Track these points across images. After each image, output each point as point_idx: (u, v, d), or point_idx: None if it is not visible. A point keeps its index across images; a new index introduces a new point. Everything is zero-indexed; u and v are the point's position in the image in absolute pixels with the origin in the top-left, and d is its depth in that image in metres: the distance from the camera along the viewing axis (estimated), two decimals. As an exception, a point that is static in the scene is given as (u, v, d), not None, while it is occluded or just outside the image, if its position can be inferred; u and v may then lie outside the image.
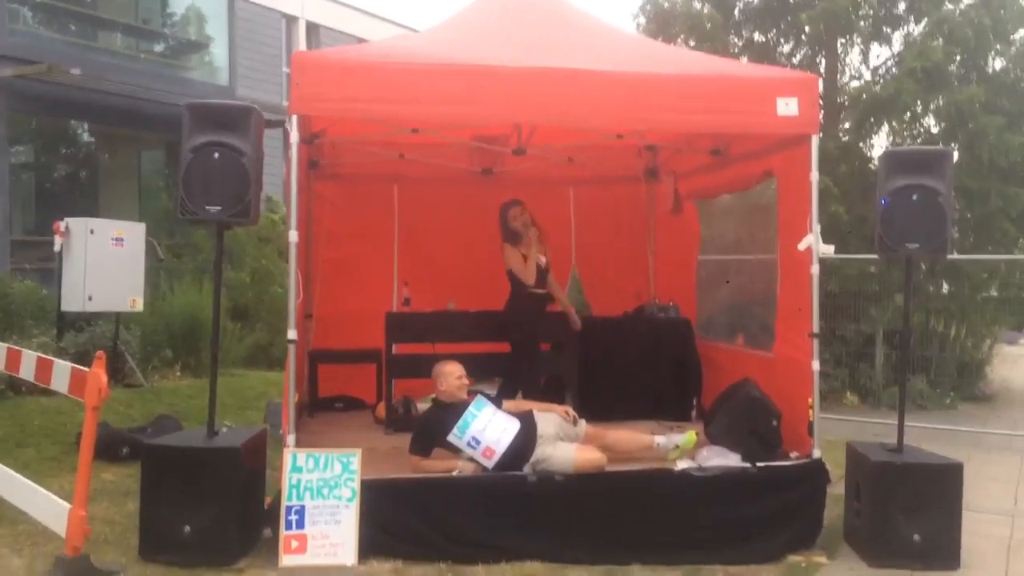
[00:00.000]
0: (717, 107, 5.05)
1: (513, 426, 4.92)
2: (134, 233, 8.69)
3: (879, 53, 11.67)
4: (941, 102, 10.36)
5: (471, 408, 4.94)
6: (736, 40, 11.81)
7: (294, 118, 4.81)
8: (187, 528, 4.35)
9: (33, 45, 12.05)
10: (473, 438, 4.84)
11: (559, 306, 6.76)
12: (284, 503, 4.49)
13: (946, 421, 8.89)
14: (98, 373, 4.12)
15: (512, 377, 6.39)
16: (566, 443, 5.01)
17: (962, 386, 10.38)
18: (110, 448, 6.15)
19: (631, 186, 8.07)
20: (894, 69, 10.98)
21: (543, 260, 6.43)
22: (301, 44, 21.40)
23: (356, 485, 4.55)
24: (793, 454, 5.12)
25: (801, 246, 5.05)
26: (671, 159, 7.62)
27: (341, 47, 13.32)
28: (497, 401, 5.18)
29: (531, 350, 6.50)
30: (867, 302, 10.22)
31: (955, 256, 8.94)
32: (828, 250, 5.14)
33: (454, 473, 4.84)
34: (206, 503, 4.36)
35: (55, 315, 8.80)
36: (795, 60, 11.61)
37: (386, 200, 7.78)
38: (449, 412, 4.96)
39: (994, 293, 10.97)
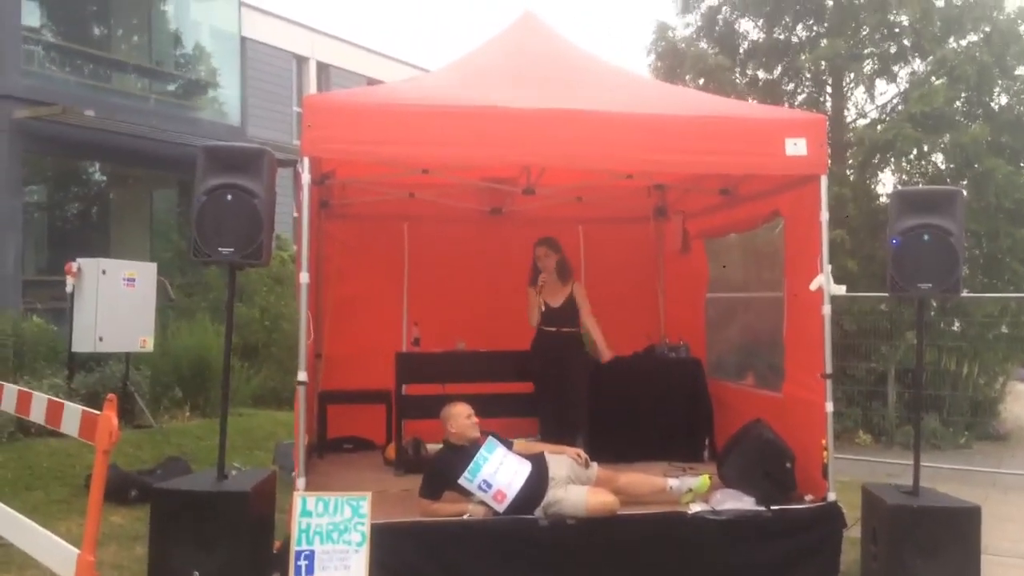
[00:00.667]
0: (726, 148, 5.07)
1: (524, 469, 4.89)
2: (145, 273, 8.73)
3: (885, 90, 11.69)
4: (947, 141, 10.39)
5: (482, 451, 4.91)
6: (741, 79, 11.90)
7: (306, 160, 4.84)
8: (196, 573, 4.30)
9: (47, 87, 12.22)
10: (484, 481, 4.80)
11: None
12: (294, 548, 4.43)
13: (961, 461, 8.79)
14: (109, 416, 4.09)
15: (543, 416, 6.49)
16: (578, 486, 4.96)
17: (976, 425, 10.27)
18: (119, 491, 6.12)
19: (640, 225, 8.09)
20: (900, 107, 11.03)
21: (540, 302, 6.50)
22: (312, 84, 21.68)
23: (366, 529, 4.50)
24: (808, 497, 5.05)
25: (812, 286, 5.04)
26: (680, 199, 7.65)
27: (352, 89, 13.52)
28: (507, 443, 5.14)
29: (543, 387, 6.50)
30: (878, 340, 10.18)
31: (967, 294, 8.90)
32: (839, 290, 5.14)
33: (465, 517, 4.79)
34: (216, 547, 4.33)
35: (66, 355, 8.82)
36: (800, 98, 11.70)
37: (396, 239, 7.81)
38: (460, 454, 4.93)
39: (1004, 330, 10.90)
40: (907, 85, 11.15)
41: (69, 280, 8.31)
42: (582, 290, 6.64)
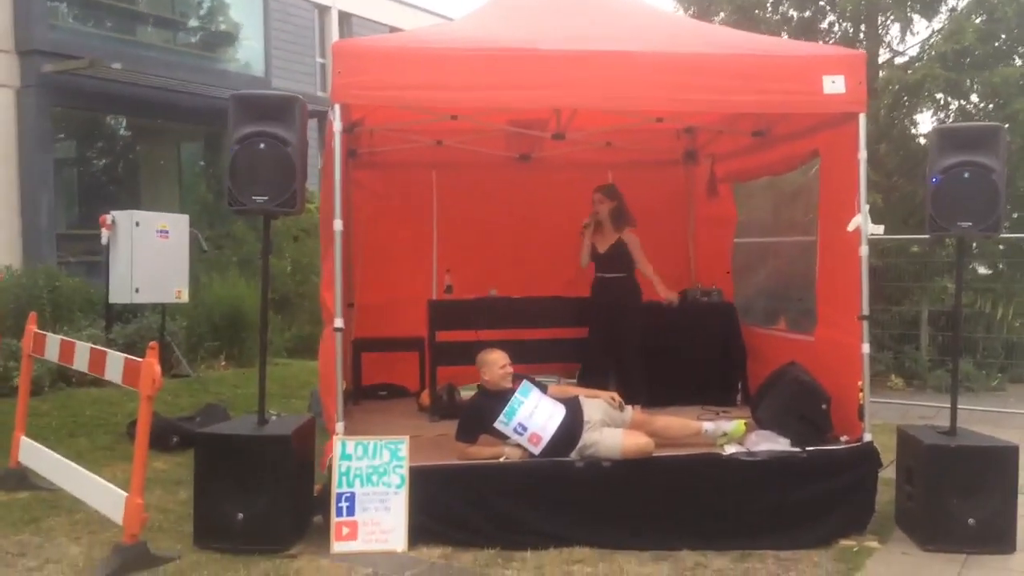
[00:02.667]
0: (762, 87, 4.96)
1: (559, 412, 4.92)
2: (178, 225, 8.81)
3: (918, 31, 11.38)
4: (978, 81, 10.12)
5: (517, 394, 4.94)
6: (774, 16, 11.61)
7: (336, 107, 4.82)
8: (240, 515, 4.40)
9: (72, 41, 12.22)
10: (520, 424, 4.84)
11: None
12: (335, 490, 4.52)
13: (994, 403, 8.74)
14: (152, 363, 4.18)
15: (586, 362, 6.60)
16: (613, 429, 4.99)
17: (1009, 367, 10.18)
18: (161, 437, 6.25)
19: (670, 169, 8.01)
20: (934, 47, 10.74)
21: (589, 245, 6.59)
22: (333, 33, 21.50)
23: (405, 472, 4.58)
24: (843, 438, 5.05)
25: (850, 227, 4.96)
26: (711, 141, 7.54)
27: (380, 35, 13.36)
28: (542, 386, 5.18)
29: (593, 328, 6.64)
30: (911, 282, 10.06)
31: (1006, 235, 8.75)
32: (878, 230, 5.04)
33: (501, 459, 4.85)
34: (258, 490, 4.41)
35: (102, 307, 8.95)
36: (834, 38, 11.41)
37: (424, 187, 7.79)
38: (495, 399, 4.97)
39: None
40: (944, 23, 10.83)
41: (104, 232, 8.41)
42: (635, 239, 6.61)
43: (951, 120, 10.38)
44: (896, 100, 10.43)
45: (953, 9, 10.85)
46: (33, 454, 5.37)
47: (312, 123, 5.83)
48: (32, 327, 5.57)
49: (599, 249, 6.56)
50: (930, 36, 11.02)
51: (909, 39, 11.32)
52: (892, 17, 10.99)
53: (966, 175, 4.73)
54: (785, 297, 8.80)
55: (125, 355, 4.58)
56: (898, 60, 11.28)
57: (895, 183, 10.11)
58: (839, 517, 4.78)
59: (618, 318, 6.49)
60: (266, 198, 4.59)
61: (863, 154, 4.95)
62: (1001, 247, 9.99)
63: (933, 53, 10.22)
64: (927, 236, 5.10)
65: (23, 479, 5.43)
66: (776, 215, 9.58)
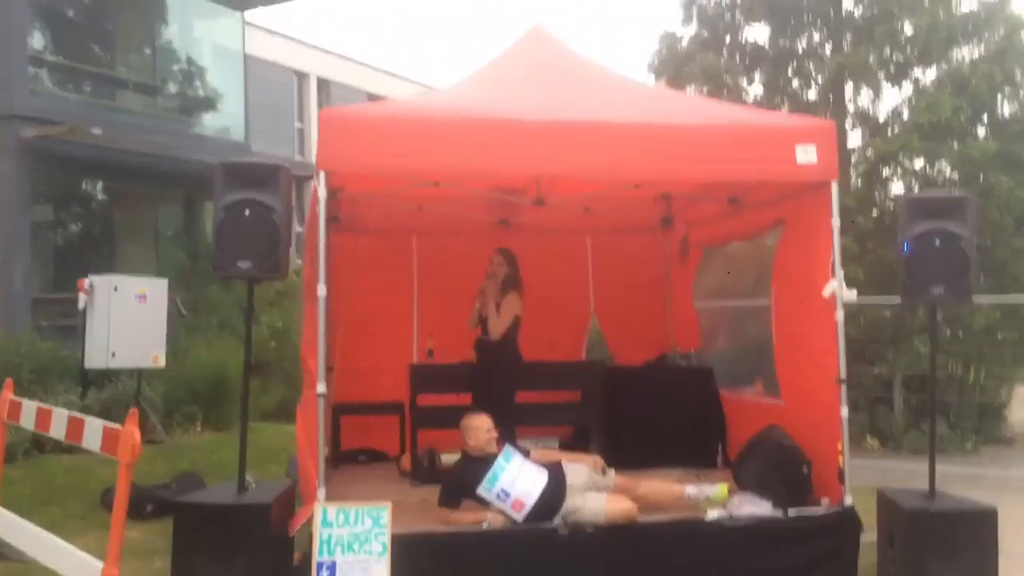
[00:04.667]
0: (736, 156, 5.11)
1: (543, 477, 4.91)
2: (156, 289, 8.74)
3: (890, 98, 11.85)
4: (954, 152, 10.48)
5: (500, 460, 4.94)
6: (746, 85, 12.00)
7: (322, 174, 4.89)
8: (219, 586, 4.33)
9: (52, 106, 12.28)
10: (503, 490, 4.83)
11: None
12: (315, 558, 4.45)
13: (969, 465, 8.81)
14: (132, 431, 4.13)
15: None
16: (596, 493, 4.99)
17: (983, 429, 10.30)
18: (136, 505, 6.09)
19: (647, 235, 8.15)
20: (905, 117, 11.11)
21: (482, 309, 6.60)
22: (312, 99, 21.80)
23: (387, 539, 4.51)
24: (824, 501, 5.08)
25: (826, 292, 5.06)
26: (686, 208, 7.69)
27: (364, 104, 13.58)
28: (524, 451, 5.17)
29: (477, 391, 6.50)
30: (883, 346, 10.21)
31: (979, 299, 8.95)
32: (851, 295, 5.15)
33: (484, 526, 4.81)
34: (238, 560, 4.36)
35: (77, 372, 8.84)
36: (800, 108, 11.79)
37: (405, 252, 7.85)
38: (478, 464, 4.96)
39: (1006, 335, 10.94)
40: (911, 95, 11.23)
41: (81, 297, 8.33)
42: (512, 303, 6.53)
43: (926, 189, 10.70)
44: (872, 168, 10.75)
45: (917, 80, 11.28)
46: (5, 524, 5.22)
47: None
48: (8, 393, 5.48)
49: (483, 312, 6.56)
50: (898, 106, 11.43)
51: (877, 108, 11.74)
52: (859, 89, 11.39)
53: (937, 242, 4.87)
54: (763, 360, 8.88)
55: (104, 422, 4.52)
56: (864, 129, 11.65)
57: (870, 248, 10.35)
58: (822, 581, 4.78)
59: (494, 382, 6.38)
60: (251, 264, 4.63)
61: (836, 221, 5.09)
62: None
63: (908, 124, 10.58)
64: (895, 301, 5.22)
65: (-6, 550, 5.30)
66: (757, 279, 9.72)
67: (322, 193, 4.88)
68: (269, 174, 4.73)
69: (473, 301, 6.65)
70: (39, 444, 7.67)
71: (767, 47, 12.02)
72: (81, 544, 4.79)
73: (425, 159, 4.95)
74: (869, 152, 10.83)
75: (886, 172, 11.03)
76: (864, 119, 11.76)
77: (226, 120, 15.14)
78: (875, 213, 11.09)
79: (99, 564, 4.14)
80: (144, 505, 6.31)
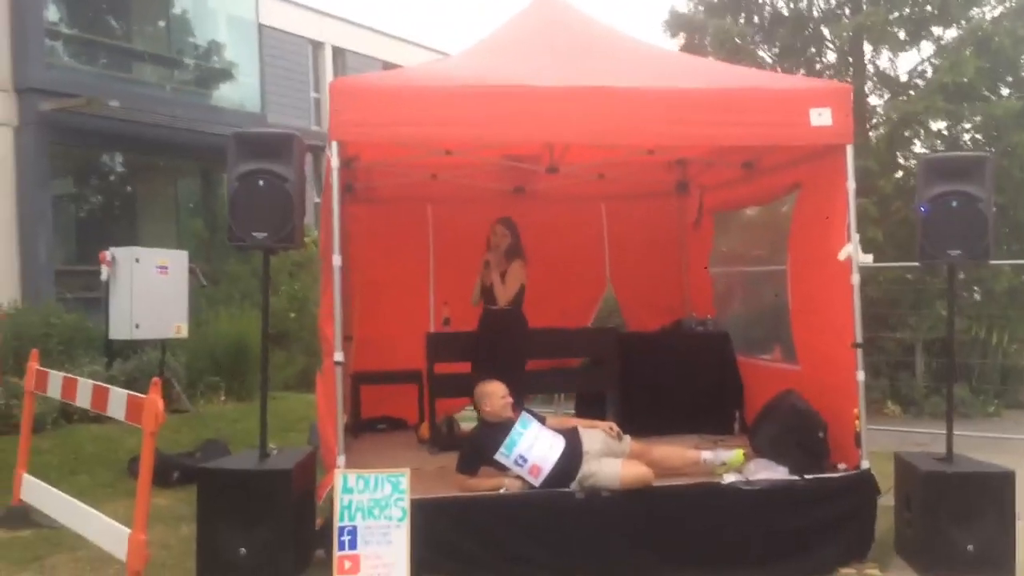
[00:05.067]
0: (749, 120, 5.07)
1: (559, 443, 4.96)
2: (177, 261, 8.86)
3: (908, 58, 11.62)
4: (978, 113, 10.31)
5: (517, 426, 4.99)
6: (762, 53, 11.82)
7: (334, 144, 4.90)
8: (243, 550, 4.42)
9: (70, 79, 12.36)
10: (520, 456, 4.88)
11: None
12: (337, 524, 4.54)
13: (991, 429, 8.79)
14: (155, 399, 4.22)
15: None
16: (612, 459, 5.02)
17: (1005, 393, 10.24)
18: (162, 473, 6.21)
19: (662, 200, 8.11)
20: (928, 73, 10.92)
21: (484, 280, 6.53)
22: (328, 69, 21.72)
23: (406, 505, 4.59)
24: (841, 465, 5.09)
25: (841, 256, 5.04)
26: (701, 173, 7.65)
27: (377, 72, 13.54)
28: (540, 418, 5.22)
29: (474, 365, 6.49)
30: (905, 311, 10.15)
31: (996, 262, 8.87)
32: (867, 259, 5.16)
33: (501, 491, 4.88)
34: (261, 525, 4.44)
35: (101, 343, 8.98)
36: (820, 69, 11.61)
37: (420, 221, 7.86)
38: (495, 430, 5.01)
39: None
40: (932, 55, 11.03)
41: (104, 269, 8.45)
42: (517, 270, 6.48)
43: (948, 150, 10.55)
44: (895, 131, 10.59)
45: (939, 38, 11.06)
46: (35, 491, 5.37)
47: (307, 158, 5.89)
48: (34, 364, 5.60)
49: (486, 282, 6.51)
50: (918, 66, 11.23)
51: (899, 69, 11.54)
52: (878, 49, 11.18)
53: (954, 204, 4.82)
54: (779, 326, 8.87)
55: (128, 391, 4.62)
56: (887, 91, 11.47)
57: (893, 211, 10.24)
58: (839, 545, 4.82)
59: (501, 350, 6.32)
60: (266, 234, 4.66)
61: (851, 184, 5.04)
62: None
63: (931, 84, 10.40)
64: (915, 264, 5.18)
65: (25, 517, 5.43)
66: (772, 243, 9.68)
67: (335, 163, 4.90)
68: (282, 144, 4.74)
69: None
70: (67, 414, 7.82)
71: (784, 11, 11.81)
72: (109, 511, 4.92)
73: (437, 127, 4.95)
74: (893, 114, 10.65)
75: (907, 134, 10.86)
76: (885, 80, 11.57)
77: (242, 91, 15.18)
78: (899, 174, 10.94)
79: (126, 530, 4.26)
80: (170, 473, 6.43)
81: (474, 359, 6.49)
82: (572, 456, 4.93)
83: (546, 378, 7.14)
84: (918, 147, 11.05)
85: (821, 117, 5.04)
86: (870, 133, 10.93)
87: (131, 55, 14.05)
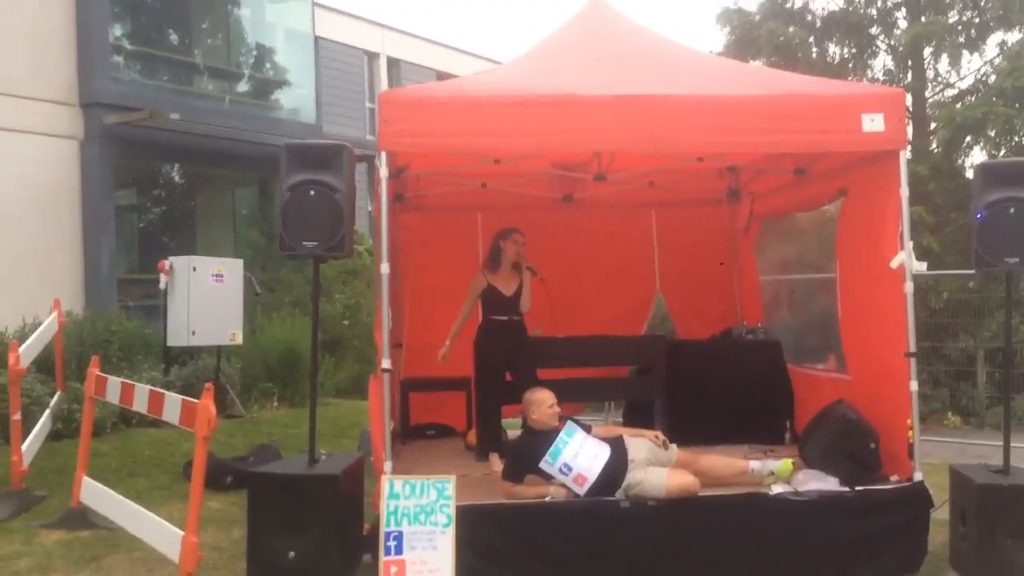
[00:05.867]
0: (800, 127, 5.01)
1: (604, 452, 4.95)
2: (233, 269, 9.05)
3: (970, 60, 11.33)
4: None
5: (562, 435, 4.99)
6: (815, 57, 11.66)
7: (383, 154, 4.97)
8: (291, 553, 4.49)
9: (132, 93, 12.71)
10: (565, 464, 4.88)
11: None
12: (383, 529, 4.59)
13: (1054, 441, 8.49)
14: (207, 405, 4.32)
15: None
16: (658, 468, 4.99)
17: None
18: (215, 477, 6.37)
19: (714, 208, 8.03)
20: (991, 78, 10.66)
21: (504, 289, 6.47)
22: (382, 79, 22.00)
23: (452, 511, 4.62)
24: (893, 477, 4.99)
25: (894, 264, 4.94)
26: (752, 180, 7.57)
27: (426, 84, 13.66)
28: (586, 427, 5.21)
29: (488, 376, 6.45)
30: (966, 319, 9.90)
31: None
32: (921, 267, 5.02)
33: (547, 499, 4.88)
34: (309, 529, 4.51)
35: (160, 350, 9.22)
36: (875, 75, 11.41)
37: (470, 229, 7.90)
38: (541, 438, 5.01)
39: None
40: (995, 57, 10.77)
41: (162, 277, 8.68)
42: (528, 279, 6.49)
43: (1007, 155, 10.28)
44: (954, 137, 10.36)
45: (1003, 43, 10.80)
46: (94, 494, 5.54)
47: (362, 167, 5.96)
48: (94, 370, 5.78)
49: (504, 292, 6.42)
50: (981, 68, 10.97)
51: (961, 72, 11.29)
52: (938, 52, 10.96)
53: (1011, 211, 4.71)
54: (829, 335, 8.73)
55: (182, 397, 4.74)
56: (948, 94, 11.22)
57: (951, 218, 10.01)
58: (890, 557, 4.73)
59: (517, 359, 6.31)
60: (316, 243, 4.75)
61: (905, 191, 4.95)
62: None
63: (992, 89, 10.16)
64: (974, 272, 5.06)
65: (84, 518, 5.61)
66: (819, 251, 9.54)
67: (384, 173, 4.97)
68: (332, 154, 4.83)
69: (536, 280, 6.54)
70: (126, 419, 8.04)
71: (840, 14, 11.64)
72: (164, 514, 5.05)
73: (485, 138, 4.99)
74: (952, 120, 10.41)
75: (967, 140, 10.61)
76: (946, 86, 11.34)
77: (298, 102, 15.45)
78: (959, 181, 10.69)
79: (180, 532, 4.37)
80: (224, 477, 6.56)
81: (488, 371, 6.39)
82: (617, 465, 4.91)
83: (594, 386, 7.12)
84: (977, 153, 10.80)
85: (874, 123, 4.97)
86: (930, 138, 10.71)
87: (191, 68, 14.42)
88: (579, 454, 4.90)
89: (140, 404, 5.14)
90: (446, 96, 5.22)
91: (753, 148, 5.85)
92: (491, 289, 6.42)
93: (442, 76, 21.20)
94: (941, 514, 5.02)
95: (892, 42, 11.06)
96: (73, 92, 12.20)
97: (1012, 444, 4.91)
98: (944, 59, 11.22)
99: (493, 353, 6.37)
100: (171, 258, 8.80)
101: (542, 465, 4.92)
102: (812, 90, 5.48)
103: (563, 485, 4.90)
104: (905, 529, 4.77)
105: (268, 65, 15.51)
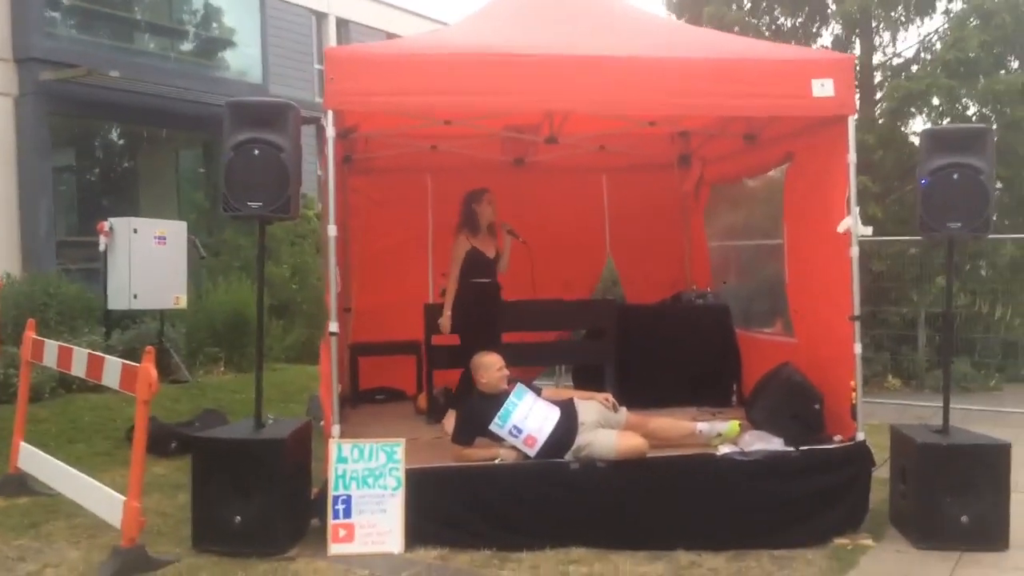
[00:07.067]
0: (751, 91, 5.01)
1: (554, 414, 4.96)
2: (176, 231, 8.85)
3: (920, 25, 11.36)
4: (980, 88, 10.21)
5: (512, 397, 4.98)
6: (763, 26, 11.70)
7: (330, 113, 4.85)
8: (238, 518, 4.44)
9: (70, 49, 12.26)
10: (515, 427, 4.88)
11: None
12: (331, 492, 4.56)
13: (991, 403, 8.77)
14: (148, 368, 4.22)
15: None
16: (607, 430, 5.03)
17: (1007, 367, 10.22)
18: (159, 443, 6.28)
19: (664, 173, 8.05)
20: (937, 46, 10.79)
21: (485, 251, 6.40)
22: (331, 40, 21.54)
23: (401, 474, 4.61)
24: (837, 437, 5.09)
25: (840, 228, 4.99)
26: (703, 145, 7.59)
27: (373, 42, 13.41)
28: (536, 389, 5.21)
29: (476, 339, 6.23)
30: (907, 284, 10.12)
31: (997, 236, 8.82)
32: (867, 231, 5.08)
33: (496, 461, 4.88)
34: (255, 493, 4.45)
35: (101, 313, 8.99)
36: (823, 42, 11.50)
37: (420, 192, 7.83)
38: (490, 402, 5.00)
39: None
40: (939, 28, 10.91)
41: (102, 239, 8.45)
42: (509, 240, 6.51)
43: (952, 121, 10.45)
44: (899, 107, 10.50)
45: (947, 12, 10.93)
46: (32, 460, 5.41)
47: (310, 129, 5.82)
48: (31, 334, 5.61)
49: (487, 254, 6.36)
50: (927, 37, 11.10)
51: (907, 40, 11.44)
52: (884, 23, 11.06)
53: (955, 176, 4.77)
54: (777, 300, 8.86)
55: (122, 360, 4.63)
56: (895, 62, 11.35)
57: (893, 186, 10.18)
58: (833, 515, 4.82)
59: (491, 322, 6.25)
60: (261, 204, 4.63)
61: (852, 156, 4.99)
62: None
63: (933, 60, 10.30)
64: (919, 238, 5.14)
65: (22, 484, 5.47)
66: (767, 217, 9.65)
67: (330, 132, 4.85)
68: (277, 113, 4.70)
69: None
70: (66, 384, 7.84)
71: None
72: (106, 479, 4.96)
73: (432, 96, 4.90)
74: (896, 91, 10.54)
75: (911, 109, 10.75)
76: (894, 55, 11.46)
77: (244, 62, 15.06)
78: (905, 150, 10.86)
79: (121, 497, 4.28)
80: (168, 442, 6.47)
81: (478, 333, 6.26)
82: (567, 427, 4.93)
83: (545, 350, 7.12)
84: (919, 123, 10.97)
85: (823, 88, 4.98)
86: (875, 108, 10.83)
87: (132, 25, 13.94)
88: (529, 416, 4.91)
89: (79, 368, 5.01)
90: (394, 54, 5.11)
91: (704, 111, 5.84)
92: (475, 252, 6.34)
93: (392, 37, 20.83)
94: (881, 473, 5.14)
95: (838, 15, 11.12)
96: (7, 47, 11.72)
97: (951, 406, 5.03)
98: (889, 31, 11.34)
99: (481, 316, 6.25)
100: (111, 219, 8.56)
101: (492, 427, 4.91)
102: (763, 55, 5.48)
103: (513, 447, 4.91)
104: (848, 487, 4.87)
105: (214, 24, 15.06)
